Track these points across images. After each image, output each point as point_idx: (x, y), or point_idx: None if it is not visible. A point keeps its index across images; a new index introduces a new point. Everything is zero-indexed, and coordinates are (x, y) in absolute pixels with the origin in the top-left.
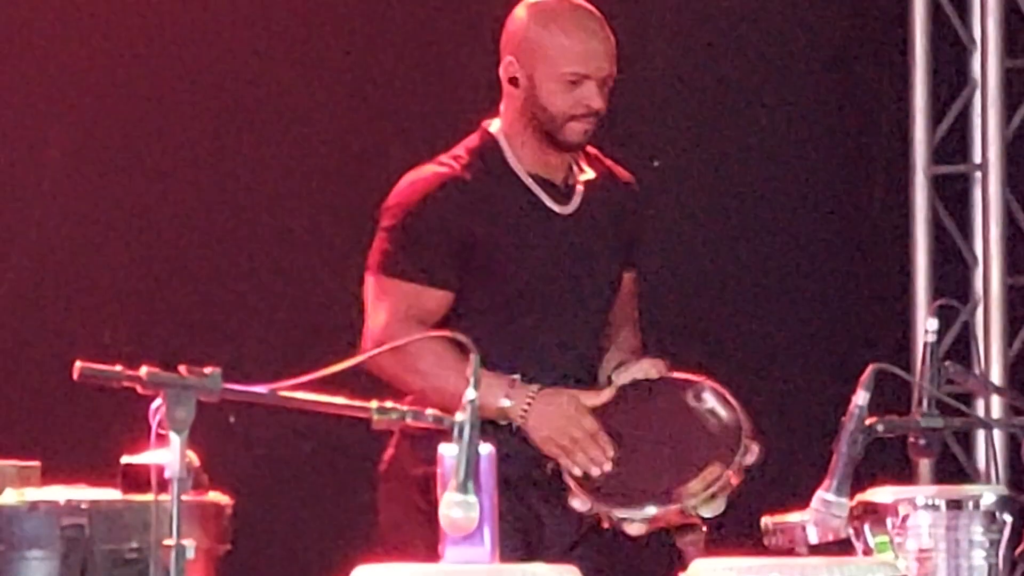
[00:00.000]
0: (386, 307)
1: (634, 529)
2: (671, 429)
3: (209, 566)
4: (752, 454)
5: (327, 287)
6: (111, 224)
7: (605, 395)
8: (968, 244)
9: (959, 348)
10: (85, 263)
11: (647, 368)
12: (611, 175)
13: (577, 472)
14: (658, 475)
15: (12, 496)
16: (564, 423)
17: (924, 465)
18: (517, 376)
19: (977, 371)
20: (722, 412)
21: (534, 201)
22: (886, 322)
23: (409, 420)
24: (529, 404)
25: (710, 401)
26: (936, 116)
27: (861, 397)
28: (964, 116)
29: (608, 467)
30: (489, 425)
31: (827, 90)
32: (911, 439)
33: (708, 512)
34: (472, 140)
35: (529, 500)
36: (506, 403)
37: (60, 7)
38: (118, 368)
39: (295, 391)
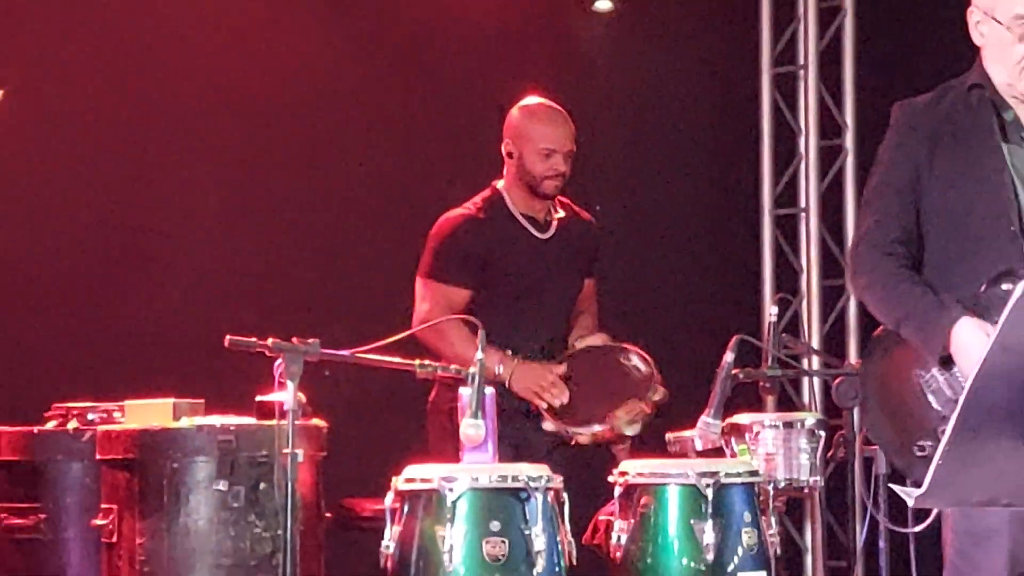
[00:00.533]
0: (428, 300)
1: (584, 440)
2: (608, 377)
3: (312, 467)
4: (659, 394)
5: (391, 284)
6: (259, 235)
7: (561, 368)
8: (797, 259)
9: (792, 326)
10: (234, 264)
11: (596, 339)
12: (576, 215)
13: (545, 407)
14: (599, 407)
15: (187, 422)
16: (533, 381)
17: (770, 400)
18: (508, 351)
19: (803, 340)
20: (641, 367)
21: (524, 231)
22: (746, 309)
23: (440, 372)
24: (512, 371)
25: (634, 360)
26: (777, 175)
27: (729, 356)
28: (794, 176)
29: (563, 401)
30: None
31: (705, 159)
32: (760, 383)
33: (630, 431)
34: (485, 192)
35: (518, 425)
36: (498, 369)
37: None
38: (254, 339)
39: (367, 353)
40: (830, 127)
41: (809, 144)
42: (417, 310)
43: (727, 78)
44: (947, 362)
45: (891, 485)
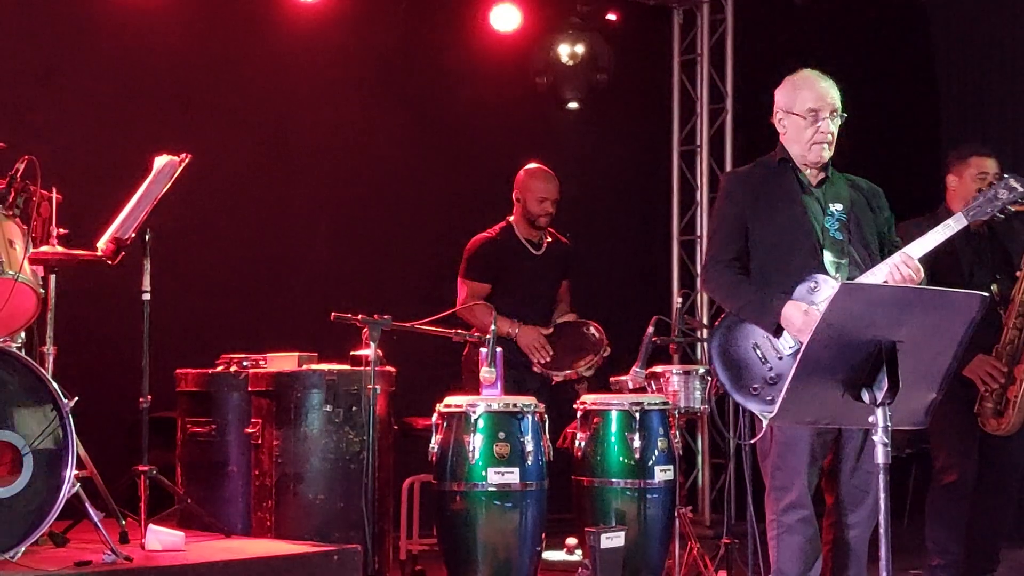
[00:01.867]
0: (464, 291)
1: (558, 379)
2: (575, 340)
3: (385, 397)
4: (607, 350)
5: (439, 280)
6: (355, 245)
7: (548, 331)
8: (694, 267)
9: (690, 310)
10: (337, 268)
11: (569, 317)
12: (558, 239)
13: (535, 358)
14: (569, 359)
15: (306, 367)
16: (532, 339)
17: (676, 357)
18: (516, 320)
19: (697, 318)
20: (596, 334)
21: (525, 250)
22: (662, 298)
23: (468, 338)
24: (518, 331)
25: (591, 330)
26: (682, 213)
27: (650, 329)
28: (693, 216)
29: (547, 357)
30: (504, 340)
31: (635, 204)
32: (671, 346)
33: (587, 374)
34: (502, 223)
35: (518, 371)
36: (512, 330)
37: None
38: (349, 315)
39: (423, 325)
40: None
41: (703, 196)
42: (459, 297)
43: (649, 151)
44: (777, 332)
45: (751, 408)
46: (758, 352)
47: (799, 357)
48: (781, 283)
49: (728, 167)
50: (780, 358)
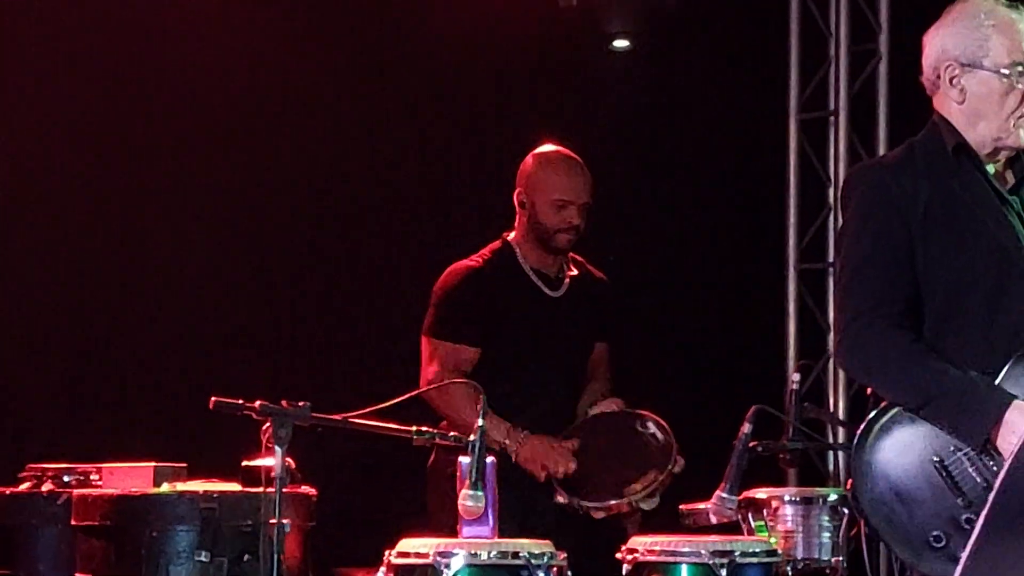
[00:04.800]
0: (436, 361)
1: (598, 515)
2: (623, 446)
3: (300, 537)
4: (678, 465)
5: (390, 342)
6: (248, 289)
7: (572, 443)
8: (824, 316)
9: (816, 391)
10: (221, 319)
11: (610, 405)
12: (590, 273)
13: (556, 475)
14: (614, 478)
15: (167, 488)
16: (542, 455)
17: (791, 473)
18: (514, 423)
19: (827, 409)
20: (659, 435)
21: (533, 287)
22: (769, 371)
23: (438, 440)
24: (519, 444)
25: (651, 428)
26: (803, 228)
27: (746, 428)
28: (823, 228)
29: (570, 469)
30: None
31: (726, 210)
32: (780, 455)
33: (647, 506)
34: (495, 244)
35: (525, 493)
36: (506, 442)
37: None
38: (240, 401)
39: (362, 419)
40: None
41: (838, 186)
42: (424, 372)
43: (751, 121)
44: (985, 445)
45: None
46: (945, 475)
47: (992, 497)
48: (974, 356)
49: (882, 149)
50: (986, 487)
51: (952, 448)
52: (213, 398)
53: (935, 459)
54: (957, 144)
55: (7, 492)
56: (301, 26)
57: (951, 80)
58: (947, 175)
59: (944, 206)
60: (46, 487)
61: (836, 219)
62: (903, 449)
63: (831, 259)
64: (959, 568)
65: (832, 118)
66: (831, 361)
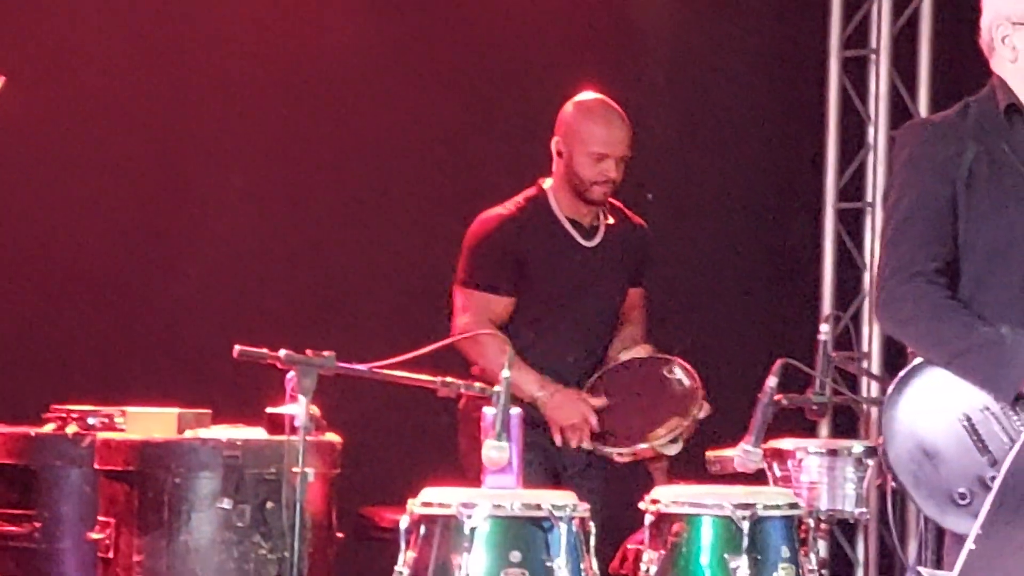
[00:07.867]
0: (468, 311)
1: (622, 459)
2: (649, 392)
3: (324, 484)
4: (703, 411)
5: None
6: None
7: (599, 401)
8: (860, 256)
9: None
10: (250, 267)
11: (640, 351)
12: (628, 220)
13: (573, 442)
14: (639, 423)
15: (191, 434)
16: (568, 413)
17: (822, 424)
18: (545, 375)
19: (858, 360)
20: (686, 381)
21: (568, 236)
22: (795, 322)
23: (463, 391)
24: (549, 397)
25: (678, 373)
26: (842, 167)
27: (771, 381)
28: (862, 168)
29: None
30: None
31: (764, 152)
32: (806, 407)
33: (670, 451)
34: (530, 191)
35: (548, 442)
36: (538, 393)
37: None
38: (265, 350)
39: (388, 368)
40: (902, 117)
41: (878, 134)
42: (456, 322)
43: (792, 58)
44: (1016, 401)
45: (919, 568)
46: (972, 433)
47: (1006, 463)
48: (1011, 315)
49: (923, 93)
50: (1012, 447)
51: (981, 407)
52: (237, 347)
53: (963, 417)
54: (1009, 104)
55: (32, 433)
56: None
57: (1003, 39)
58: (998, 135)
59: (991, 166)
60: (71, 428)
61: (876, 159)
62: (932, 407)
63: (869, 199)
64: (962, 554)
65: (873, 56)
66: (866, 302)
